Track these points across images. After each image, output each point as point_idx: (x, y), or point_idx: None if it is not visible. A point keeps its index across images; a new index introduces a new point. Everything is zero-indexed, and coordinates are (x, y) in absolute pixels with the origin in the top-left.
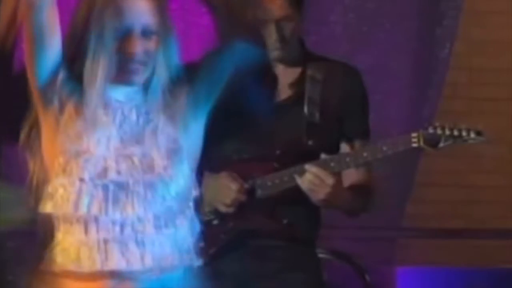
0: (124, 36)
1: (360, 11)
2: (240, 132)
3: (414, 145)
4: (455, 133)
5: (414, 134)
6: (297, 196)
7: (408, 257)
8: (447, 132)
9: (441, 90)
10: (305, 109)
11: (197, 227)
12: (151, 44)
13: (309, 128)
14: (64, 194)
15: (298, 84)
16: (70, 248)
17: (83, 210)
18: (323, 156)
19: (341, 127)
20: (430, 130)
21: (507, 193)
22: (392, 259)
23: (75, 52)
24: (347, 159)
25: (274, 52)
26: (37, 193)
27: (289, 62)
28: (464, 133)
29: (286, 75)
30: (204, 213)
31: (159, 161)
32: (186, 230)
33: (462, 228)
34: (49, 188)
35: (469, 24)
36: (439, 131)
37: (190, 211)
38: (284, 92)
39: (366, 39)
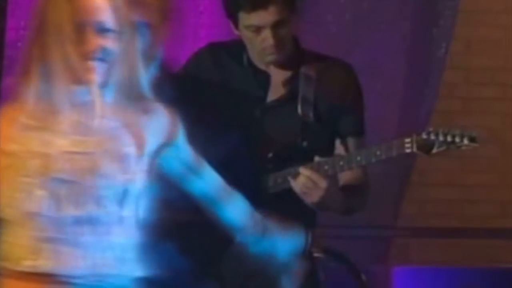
0: (79, 33)
1: (356, 10)
2: (232, 133)
3: (407, 150)
4: (449, 139)
5: (407, 140)
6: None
7: (405, 256)
8: (441, 137)
9: (437, 89)
10: (299, 109)
11: (139, 237)
12: (109, 42)
13: (303, 128)
14: (12, 192)
15: (292, 83)
16: (10, 245)
17: (29, 208)
18: (317, 159)
19: (336, 125)
20: (424, 136)
21: (502, 192)
22: (387, 258)
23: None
24: (341, 163)
25: (269, 56)
26: None
27: (283, 63)
28: (457, 139)
29: (279, 74)
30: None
31: (106, 164)
32: (127, 239)
33: (457, 227)
34: None
35: (466, 24)
36: (432, 137)
37: (133, 221)
38: (277, 91)
39: (362, 39)
